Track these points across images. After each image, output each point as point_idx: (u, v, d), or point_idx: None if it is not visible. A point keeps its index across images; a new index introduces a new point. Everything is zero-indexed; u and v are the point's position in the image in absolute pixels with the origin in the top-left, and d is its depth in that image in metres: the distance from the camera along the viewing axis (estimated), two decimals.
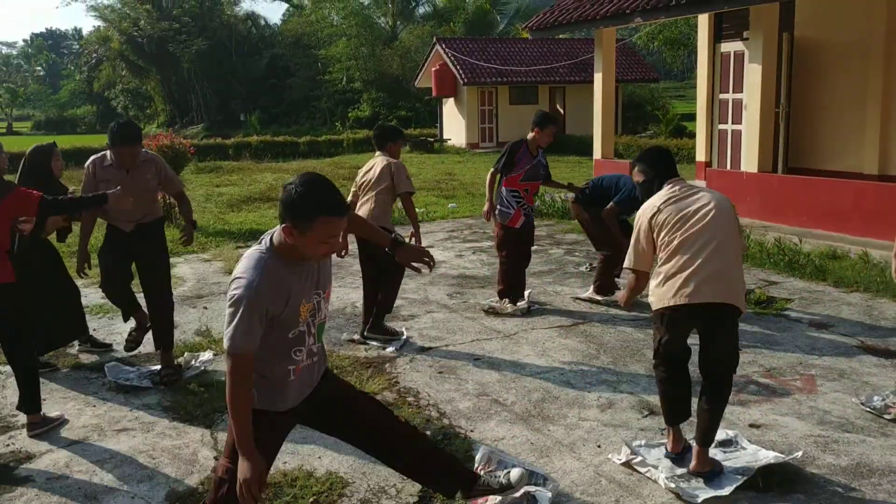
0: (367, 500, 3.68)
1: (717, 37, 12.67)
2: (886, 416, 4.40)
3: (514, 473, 3.47)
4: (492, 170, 6.82)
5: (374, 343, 6.01)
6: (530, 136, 6.67)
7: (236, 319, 2.70)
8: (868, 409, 4.50)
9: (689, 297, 3.65)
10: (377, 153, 6.39)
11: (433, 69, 29.66)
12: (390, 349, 5.89)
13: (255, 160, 25.11)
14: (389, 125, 7.01)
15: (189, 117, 49.89)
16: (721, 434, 3.99)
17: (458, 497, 3.51)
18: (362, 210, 6.18)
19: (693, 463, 3.76)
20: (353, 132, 34.38)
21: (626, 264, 3.95)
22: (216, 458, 4.10)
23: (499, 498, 3.46)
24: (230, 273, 9.10)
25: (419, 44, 43.53)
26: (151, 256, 5.39)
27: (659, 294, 3.78)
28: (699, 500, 3.55)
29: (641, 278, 3.94)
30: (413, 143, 28.33)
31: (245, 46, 50.92)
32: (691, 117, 23.85)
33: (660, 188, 3.91)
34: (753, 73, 10.63)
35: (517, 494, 3.46)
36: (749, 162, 10.82)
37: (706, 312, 3.69)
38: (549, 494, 3.52)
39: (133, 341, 5.52)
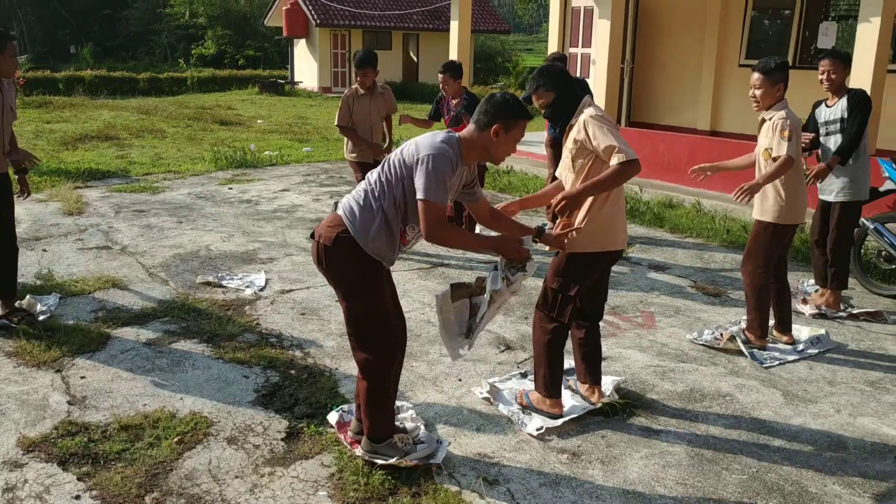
0: (234, 437, 3.67)
1: None
2: (717, 346, 4.87)
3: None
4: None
5: None
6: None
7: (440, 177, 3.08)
8: (700, 343, 4.96)
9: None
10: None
11: (284, 8, 28.67)
12: (249, 291, 5.80)
13: (90, 96, 23.40)
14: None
15: None
16: (566, 363, 4.28)
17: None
18: None
19: (596, 398, 4.01)
20: (197, 70, 32.74)
21: (624, 157, 3.43)
22: (69, 403, 3.94)
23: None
24: (69, 214, 8.51)
25: None
26: (2, 196, 4.98)
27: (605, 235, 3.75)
28: (559, 422, 3.84)
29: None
30: (263, 84, 27.43)
31: None
32: None
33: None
34: (602, 29, 11.06)
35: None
36: None
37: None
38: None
39: None
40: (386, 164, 3.27)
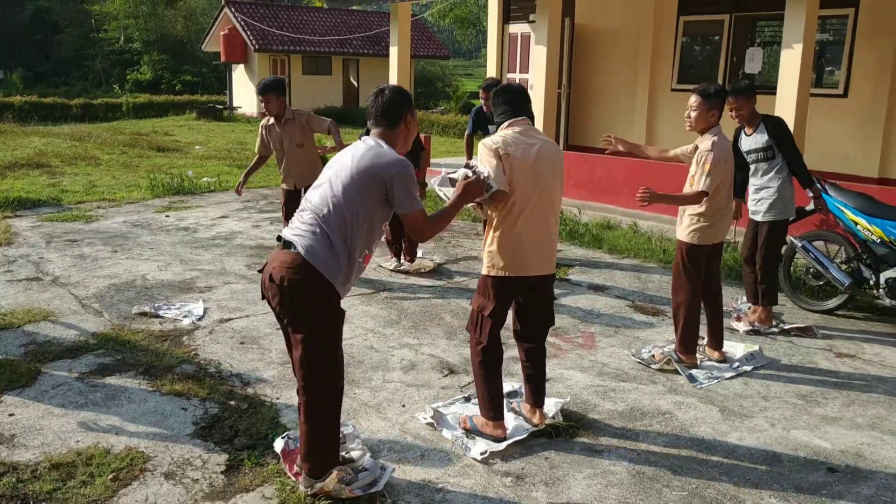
0: (172, 472, 3.58)
1: (505, 18, 13.26)
2: (653, 366, 4.96)
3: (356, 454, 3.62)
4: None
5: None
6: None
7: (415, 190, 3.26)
8: (638, 361, 5.05)
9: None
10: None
11: (222, 33, 28.43)
12: (187, 321, 5.69)
13: (20, 123, 22.73)
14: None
15: None
16: (508, 386, 4.30)
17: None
18: None
19: (538, 419, 4.03)
20: (132, 96, 32.12)
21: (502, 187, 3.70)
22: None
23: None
24: None
25: (206, 5, 41.50)
26: None
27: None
28: (502, 445, 3.84)
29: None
30: (201, 109, 27.09)
31: None
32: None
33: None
34: (539, 55, 11.26)
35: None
36: None
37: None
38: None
39: None
40: (339, 190, 3.19)
